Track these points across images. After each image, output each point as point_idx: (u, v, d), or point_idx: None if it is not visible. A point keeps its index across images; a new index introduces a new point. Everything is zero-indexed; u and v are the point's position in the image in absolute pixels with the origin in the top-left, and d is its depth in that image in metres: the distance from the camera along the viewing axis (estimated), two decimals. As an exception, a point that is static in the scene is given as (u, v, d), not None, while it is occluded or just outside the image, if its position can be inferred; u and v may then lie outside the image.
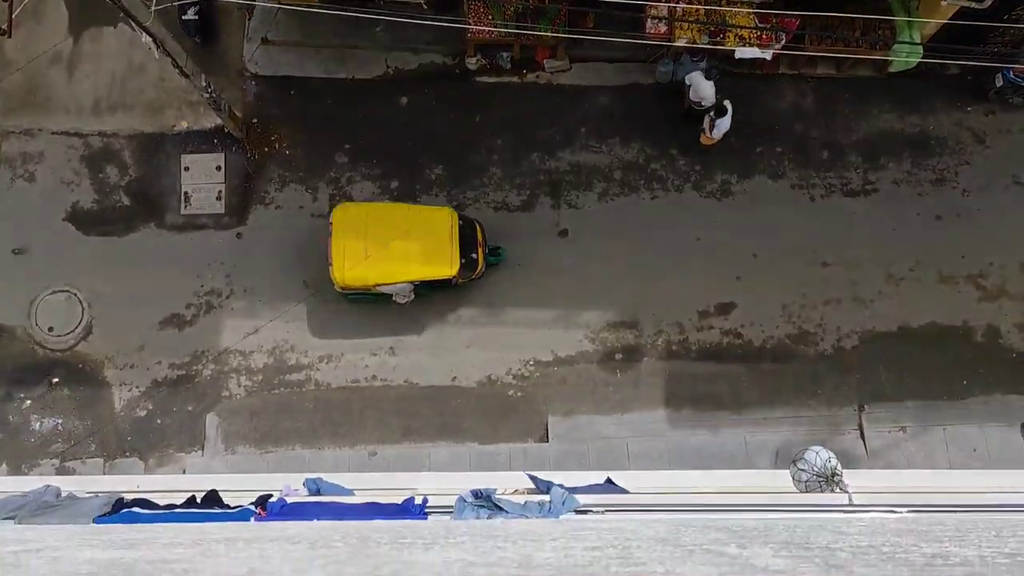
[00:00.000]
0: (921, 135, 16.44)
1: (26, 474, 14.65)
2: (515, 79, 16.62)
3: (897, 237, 15.87)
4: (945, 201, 16.11)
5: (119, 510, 7.59)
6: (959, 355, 15.46)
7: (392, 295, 14.89)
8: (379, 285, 14.52)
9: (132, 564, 2.62)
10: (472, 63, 16.48)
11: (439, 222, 14.60)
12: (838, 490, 8.57)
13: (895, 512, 7.38)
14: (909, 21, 15.61)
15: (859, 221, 15.96)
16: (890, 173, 16.22)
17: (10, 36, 12.48)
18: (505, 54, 16.35)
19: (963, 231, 15.96)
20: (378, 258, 14.33)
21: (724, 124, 15.28)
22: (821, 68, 16.54)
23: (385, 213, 14.78)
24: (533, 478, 8.35)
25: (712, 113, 15.22)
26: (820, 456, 8.70)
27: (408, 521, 6.78)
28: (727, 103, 15.14)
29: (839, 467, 8.68)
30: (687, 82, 15.46)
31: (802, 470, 8.70)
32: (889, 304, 15.64)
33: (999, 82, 16.05)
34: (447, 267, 14.46)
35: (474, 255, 14.75)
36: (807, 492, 8.70)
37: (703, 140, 15.89)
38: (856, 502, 8.26)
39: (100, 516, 7.43)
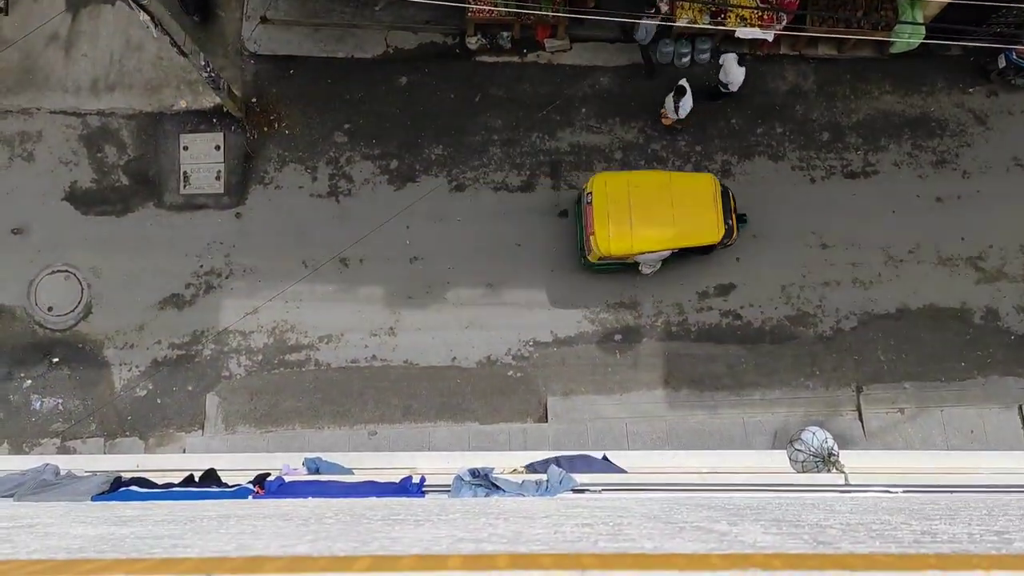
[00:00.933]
0: (922, 116, 16.38)
1: (27, 453, 14.71)
2: (515, 59, 16.54)
3: (897, 219, 15.85)
4: (945, 183, 16.07)
5: (117, 488, 7.64)
6: (957, 337, 15.48)
7: (639, 264, 14.90)
8: (643, 253, 14.48)
9: (121, 539, 2.63)
10: (472, 43, 16.39)
11: (702, 189, 14.51)
12: (834, 470, 8.61)
13: (890, 492, 7.41)
14: (912, 1, 15.53)
15: (859, 203, 15.93)
16: (890, 155, 16.18)
17: (7, 14, 12.44)
18: (505, 33, 16.27)
19: (963, 213, 15.93)
20: (644, 227, 14.23)
21: (687, 104, 15.23)
22: (822, 49, 16.47)
23: (646, 181, 14.61)
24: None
25: (672, 94, 15.19)
26: (817, 436, 8.74)
27: (404, 499, 6.81)
28: (684, 83, 15.10)
29: (835, 447, 8.72)
30: (720, 62, 15.56)
31: (799, 450, 8.74)
32: (888, 286, 15.64)
33: (1001, 63, 15.99)
34: (713, 234, 14.43)
35: (729, 222, 14.65)
36: (804, 472, 8.74)
37: (664, 122, 15.89)
38: (852, 482, 8.30)
39: (98, 494, 7.47)
